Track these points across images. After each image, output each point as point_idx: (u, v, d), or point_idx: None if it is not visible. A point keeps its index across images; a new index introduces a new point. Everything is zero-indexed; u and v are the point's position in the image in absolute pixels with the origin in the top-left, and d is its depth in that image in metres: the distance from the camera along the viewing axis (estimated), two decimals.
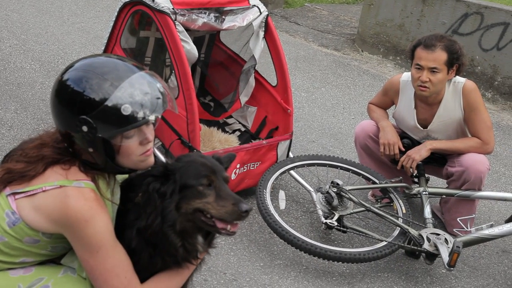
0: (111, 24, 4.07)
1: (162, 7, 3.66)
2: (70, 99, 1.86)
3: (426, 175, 3.96)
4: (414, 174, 4.04)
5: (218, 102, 4.58)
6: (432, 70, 3.56)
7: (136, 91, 1.86)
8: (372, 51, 7.63)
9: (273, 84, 4.25)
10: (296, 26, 8.52)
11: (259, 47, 4.15)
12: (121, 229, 1.99)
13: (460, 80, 3.71)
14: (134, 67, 1.92)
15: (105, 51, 4.11)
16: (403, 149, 3.82)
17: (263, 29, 4.11)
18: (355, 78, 6.77)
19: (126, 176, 2.13)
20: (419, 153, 3.72)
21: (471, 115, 3.69)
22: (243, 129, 4.45)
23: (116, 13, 4.03)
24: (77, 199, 1.85)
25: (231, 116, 4.53)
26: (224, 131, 4.41)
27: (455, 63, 3.59)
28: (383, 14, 7.44)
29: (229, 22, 3.96)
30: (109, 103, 1.83)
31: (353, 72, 6.97)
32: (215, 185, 1.97)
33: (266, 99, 4.30)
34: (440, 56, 3.55)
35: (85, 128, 1.85)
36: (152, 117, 1.89)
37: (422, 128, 3.83)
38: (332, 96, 6.15)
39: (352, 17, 9.23)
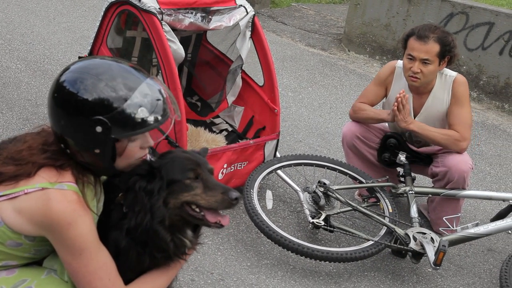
0: (98, 24, 4.05)
1: (149, 7, 3.64)
2: (83, 101, 1.85)
3: (412, 175, 3.98)
4: (401, 174, 4.06)
5: (205, 102, 4.58)
6: (424, 62, 3.58)
7: (150, 96, 1.91)
8: (359, 51, 7.66)
9: (260, 84, 4.26)
10: (282, 26, 8.53)
11: (246, 47, 4.15)
12: (104, 230, 1.98)
13: (451, 74, 3.73)
14: (142, 73, 1.97)
15: (91, 51, 4.10)
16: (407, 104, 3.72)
17: (250, 29, 4.11)
18: (341, 78, 6.79)
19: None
20: (406, 120, 3.65)
21: (453, 107, 3.71)
22: (230, 129, 4.45)
23: (102, 13, 4.01)
24: (59, 201, 1.84)
25: (218, 116, 4.53)
26: (211, 131, 4.41)
27: (447, 55, 3.61)
28: (369, 14, 7.47)
29: (216, 22, 3.96)
30: (127, 105, 1.86)
31: (339, 72, 6.99)
32: (202, 177, 2.00)
33: (253, 99, 4.31)
34: (432, 48, 3.57)
35: (99, 129, 1.86)
36: (163, 121, 1.94)
37: (413, 116, 3.82)
38: (319, 96, 6.16)
39: (338, 17, 9.26)
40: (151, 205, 1.93)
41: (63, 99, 1.88)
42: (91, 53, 4.10)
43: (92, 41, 4.09)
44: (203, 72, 4.64)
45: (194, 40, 4.62)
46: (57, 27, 6.70)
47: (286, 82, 6.34)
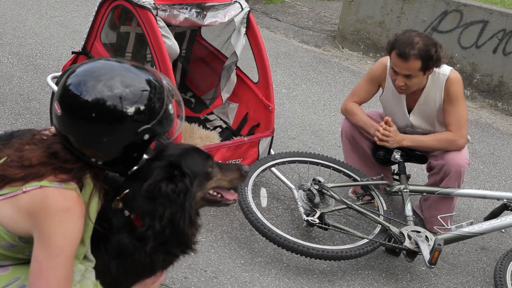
0: (91, 19, 4.01)
1: (143, 2, 3.61)
2: (125, 113, 1.83)
3: (407, 173, 3.97)
4: (395, 172, 4.05)
5: (199, 98, 4.55)
6: (407, 76, 3.54)
7: (171, 91, 2.00)
8: (353, 48, 7.64)
9: (255, 81, 4.24)
10: (276, 22, 8.50)
11: (240, 44, 4.13)
12: (100, 236, 1.96)
13: (444, 72, 3.67)
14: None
15: (84, 46, 4.06)
16: (393, 125, 3.77)
17: (245, 25, 4.09)
18: (335, 75, 6.78)
19: None
20: (396, 140, 3.67)
21: (447, 106, 3.69)
22: (224, 125, 4.43)
23: (96, 8, 3.98)
24: (57, 198, 1.82)
25: (212, 113, 4.50)
26: (205, 127, 4.39)
27: (431, 67, 3.55)
28: (364, 11, 7.46)
29: (211, 18, 3.93)
30: (166, 107, 1.92)
31: (333, 69, 6.98)
32: (215, 162, 2.11)
33: (248, 96, 4.29)
34: (413, 64, 3.49)
35: (146, 137, 1.89)
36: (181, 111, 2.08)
37: (407, 114, 3.81)
38: (313, 92, 6.15)
39: (332, 14, 9.24)
40: (187, 204, 1.96)
41: (104, 115, 1.82)
42: (85, 48, 4.06)
43: (85, 36, 4.05)
44: (197, 68, 4.61)
45: (189, 36, 4.60)
46: (50, 21, 6.65)
47: (280, 79, 6.32)
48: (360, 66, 7.24)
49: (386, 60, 3.82)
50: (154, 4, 3.63)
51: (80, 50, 4.08)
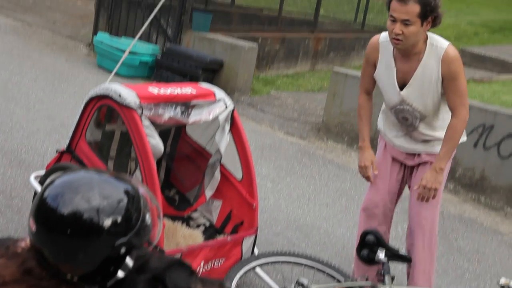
0: (77, 118, 4.06)
1: (129, 102, 3.66)
2: (101, 228, 1.79)
3: (391, 273, 3.93)
4: (381, 273, 4.01)
5: (183, 195, 4.54)
6: (405, 23, 3.49)
7: (149, 201, 1.97)
8: (337, 140, 7.75)
9: (239, 178, 4.25)
10: (262, 114, 8.64)
11: (224, 141, 4.18)
12: None
13: (442, 45, 3.63)
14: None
15: (69, 144, 4.08)
16: (375, 172, 3.94)
17: (229, 123, 4.15)
18: (320, 168, 6.83)
19: None
20: (437, 180, 3.67)
21: (449, 83, 3.61)
22: (207, 223, 4.40)
23: (82, 107, 4.03)
24: None
25: (195, 210, 4.48)
26: (188, 225, 4.35)
27: (429, 15, 3.52)
28: (347, 104, 7.62)
29: (195, 116, 3.99)
30: (143, 217, 1.88)
31: (318, 162, 7.04)
32: (197, 278, 2.01)
33: (231, 193, 4.29)
34: (412, 8, 3.47)
35: (123, 250, 1.84)
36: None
37: (399, 90, 3.73)
38: (298, 186, 6.17)
39: (317, 105, 9.42)
40: None
41: (81, 228, 1.79)
42: (69, 147, 4.08)
43: (71, 134, 4.08)
44: (181, 166, 4.63)
45: (174, 133, 4.64)
46: (37, 115, 6.71)
47: (265, 172, 6.35)
48: (344, 158, 7.31)
49: (377, 37, 3.84)
50: (139, 103, 3.68)
51: (65, 148, 4.10)
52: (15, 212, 4.50)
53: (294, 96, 9.84)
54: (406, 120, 3.82)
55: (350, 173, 6.77)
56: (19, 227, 4.31)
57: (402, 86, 3.74)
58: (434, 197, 3.72)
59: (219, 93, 4.15)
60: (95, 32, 10.57)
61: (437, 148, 3.81)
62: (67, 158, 4.08)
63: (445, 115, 3.77)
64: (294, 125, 8.32)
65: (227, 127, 4.15)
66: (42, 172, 4.13)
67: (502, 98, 8.53)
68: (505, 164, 6.33)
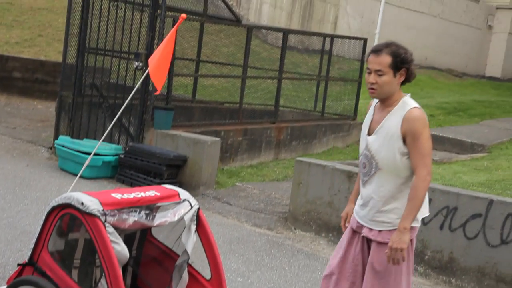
0: (39, 229, 3.98)
1: (92, 209, 3.63)
2: None
3: None
4: None
5: None
6: (378, 73, 3.79)
7: None
8: (305, 229, 7.74)
9: (207, 278, 4.18)
10: (228, 207, 8.61)
11: (191, 241, 4.14)
12: None
13: (410, 105, 3.85)
14: None
15: (31, 256, 3.97)
16: (345, 225, 4.19)
17: (195, 222, 4.13)
18: (289, 258, 6.77)
19: None
20: (402, 240, 3.73)
21: (410, 142, 3.79)
22: None
23: (43, 217, 3.96)
24: None
25: None
26: None
27: (400, 66, 3.81)
28: (312, 193, 7.67)
29: (160, 218, 3.98)
30: None
31: (287, 252, 6.98)
32: None
33: None
34: (385, 59, 3.79)
35: None
36: None
37: (367, 135, 3.97)
38: (268, 279, 6.08)
39: (282, 195, 9.44)
40: None
41: None
42: (31, 259, 3.97)
43: (32, 246, 3.99)
44: (148, 269, 4.54)
45: (139, 236, 4.58)
46: None
47: (235, 267, 6.26)
48: (313, 247, 7.28)
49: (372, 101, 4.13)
50: (102, 210, 3.65)
51: (26, 261, 4.00)
52: None
53: (259, 187, 9.86)
54: (364, 168, 4.00)
55: (320, 262, 6.72)
56: None
57: (372, 132, 4.01)
58: (403, 259, 3.76)
59: (184, 193, 4.16)
60: (56, 136, 10.57)
61: (383, 225, 3.90)
62: (29, 271, 3.97)
63: (402, 186, 3.88)
64: (261, 216, 8.30)
65: (193, 227, 4.13)
66: (3, 287, 3.99)
67: (463, 178, 8.71)
68: (472, 245, 6.37)
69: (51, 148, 10.59)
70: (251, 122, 11.90)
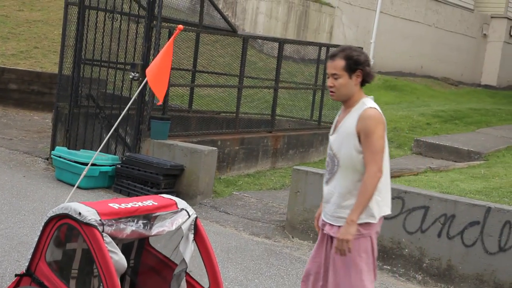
0: (36, 239, 3.98)
1: (89, 219, 3.64)
2: None
3: None
4: None
5: None
6: (335, 77, 4.00)
7: None
8: (302, 237, 7.73)
9: (206, 287, 4.19)
10: (226, 216, 8.60)
11: (189, 250, 4.15)
12: None
13: (368, 104, 4.01)
14: None
15: (29, 267, 3.97)
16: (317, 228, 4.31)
17: (193, 231, 4.15)
18: (287, 267, 6.76)
19: None
20: (349, 232, 3.86)
21: (363, 140, 3.95)
22: None
23: (41, 228, 3.96)
24: None
25: None
26: None
27: (354, 68, 3.97)
28: (310, 201, 7.66)
29: (158, 227, 4.00)
30: None
31: (285, 261, 6.97)
32: None
33: None
34: (339, 63, 3.98)
35: None
36: None
37: (330, 135, 4.16)
38: (266, 287, 6.08)
39: (280, 203, 9.43)
40: None
41: None
42: (29, 269, 3.97)
43: (30, 256, 3.98)
44: (146, 279, 4.54)
45: (137, 245, 4.58)
46: None
47: (233, 275, 6.25)
48: None
49: None
50: (100, 220, 3.66)
51: (24, 271, 3.99)
52: None
53: (256, 196, 9.86)
54: (328, 166, 4.16)
55: None
56: None
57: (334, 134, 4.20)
58: (349, 250, 3.87)
59: (181, 202, 4.18)
60: (52, 147, 10.56)
61: (342, 221, 4.00)
62: (27, 282, 3.96)
63: (358, 183, 4.00)
64: (259, 225, 8.29)
65: (191, 236, 4.14)
66: None
67: (460, 186, 8.71)
68: (470, 252, 6.38)
69: (47, 159, 10.58)
70: (248, 131, 11.90)
